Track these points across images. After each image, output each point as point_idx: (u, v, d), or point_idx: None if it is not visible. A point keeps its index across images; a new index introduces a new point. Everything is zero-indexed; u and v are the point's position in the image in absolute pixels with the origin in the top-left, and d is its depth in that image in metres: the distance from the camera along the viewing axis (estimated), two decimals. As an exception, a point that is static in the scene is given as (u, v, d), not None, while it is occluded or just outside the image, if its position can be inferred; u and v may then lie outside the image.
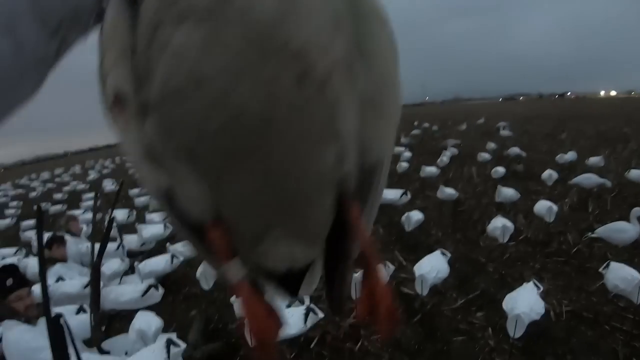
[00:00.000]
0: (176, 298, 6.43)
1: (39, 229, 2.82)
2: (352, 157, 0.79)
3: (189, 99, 0.64)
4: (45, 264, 2.70)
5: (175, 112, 0.66)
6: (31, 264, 7.08)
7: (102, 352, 4.20)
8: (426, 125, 31.73)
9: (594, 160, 11.97)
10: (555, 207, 7.11)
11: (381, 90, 0.80)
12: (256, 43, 0.61)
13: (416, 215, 7.25)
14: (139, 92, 0.69)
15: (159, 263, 6.04)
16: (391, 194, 8.96)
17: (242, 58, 0.61)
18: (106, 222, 5.24)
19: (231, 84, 0.62)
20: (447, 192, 9.21)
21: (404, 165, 13.62)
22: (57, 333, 2.77)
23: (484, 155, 13.70)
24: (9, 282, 3.75)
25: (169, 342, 3.71)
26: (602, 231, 6.36)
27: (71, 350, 2.94)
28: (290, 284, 1.13)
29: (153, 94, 0.67)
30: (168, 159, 0.73)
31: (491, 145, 16.09)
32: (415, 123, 33.92)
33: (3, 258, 8.41)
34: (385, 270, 1.03)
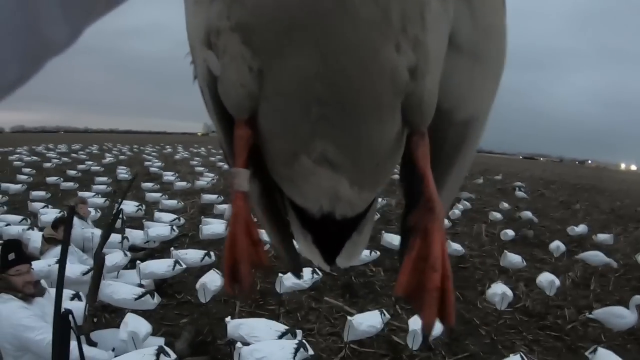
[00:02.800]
0: (169, 303, 6.44)
1: (66, 237, 2.87)
2: (429, 83, 0.72)
3: None
4: (64, 268, 2.74)
5: None
6: (34, 238, 7.15)
7: (89, 342, 4.24)
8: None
9: (603, 237, 11.97)
10: (557, 282, 7.08)
11: (483, 38, 0.77)
12: None
13: (420, 266, 7.20)
14: None
15: (161, 266, 6.06)
16: (397, 240, 8.75)
17: None
18: (113, 213, 5.31)
19: None
20: (454, 247, 9.14)
21: (413, 212, 13.35)
22: (64, 328, 2.82)
23: (496, 215, 13.69)
24: (11, 256, 3.82)
25: (161, 350, 3.73)
26: (599, 313, 6.34)
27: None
28: (330, 246, 1.03)
29: None
30: (224, 36, 0.69)
31: (505, 205, 16.12)
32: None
33: (7, 225, 8.49)
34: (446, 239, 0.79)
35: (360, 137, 0.75)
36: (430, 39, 0.67)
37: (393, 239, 8.77)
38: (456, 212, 13.64)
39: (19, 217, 9.34)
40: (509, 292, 6.19)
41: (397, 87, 0.69)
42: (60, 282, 2.78)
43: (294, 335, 4.37)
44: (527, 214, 14.56)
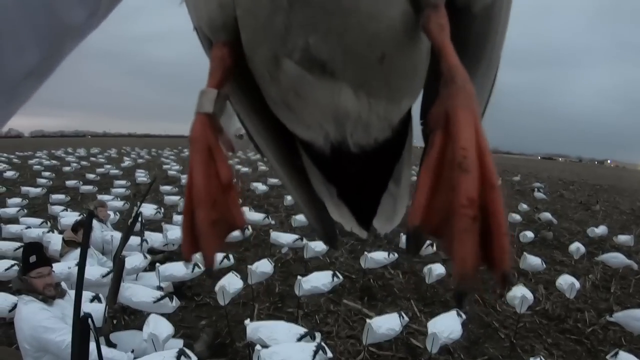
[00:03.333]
0: (188, 305, 6.48)
1: (85, 240, 2.90)
2: None
3: None
4: (83, 272, 2.77)
5: None
6: (54, 240, 7.25)
7: (109, 343, 4.29)
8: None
9: (623, 238, 11.81)
10: (577, 284, 6.99)
11: None
12: None
13: (438, 269, 7.15)
14: None
15: (180, 269, 6.08)
16: None
17: None
18: (133, 215, 5.36)
19: None
20: (472, 249, 8.94)
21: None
22: (83, 332, 2.85)
23: (515, 217, 13.51)
24: (32, 259, 3.89)
25: (182, 352, 3.74)
26: (620, 316, 6.25)
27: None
28: (364, 205, 0.87)
29: None
30: None
31: (524, 206, 15.93)
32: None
33: (28, 227, 8.60)
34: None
35: (346, 15, 0.58)
36: None
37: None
38: (475, 214, 13.46)
39: (39, 220, 9.51)
40: (529, 295, 6.13)
41: None
42: (79, 285, 2.81)
43: (313, 338, 4.36)
44: (547, 215, 14.42)
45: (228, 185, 0.61)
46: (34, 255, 3.94)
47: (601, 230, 12.80)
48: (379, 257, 7.66)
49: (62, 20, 0.56)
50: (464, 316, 5.24)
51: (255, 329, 4.40)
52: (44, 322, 3.68)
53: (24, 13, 0.53)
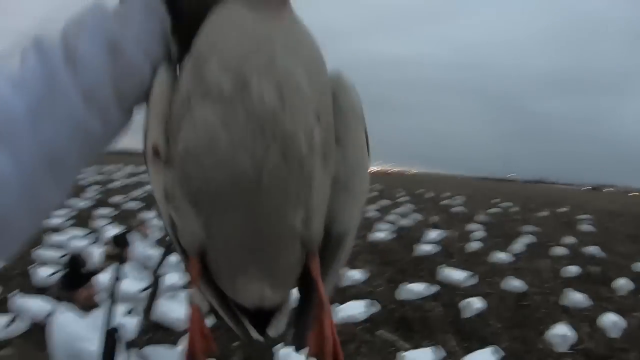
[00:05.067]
0: (221, 324, 6.43)
1: (121, 258, 2.93)
2: (316, 225, 0.98)
3: (202, 159, 0.88)
4: (117, 288, 2.81)
5: (189, 167, 0.90)
6: (95, 253, 7.39)
7: (141, 358, 4.32)
8: (506, 204, 31.04)
9: (672, 274, 11.42)
10: (621, 323, 6.78)
11: (352, 175, 1.04)
12: (258, 125, 0.82)
13: (477, 303, 7.03)
14: (168, 147, 0.95)
15: (216, 289, 6.12)
16: (456, 275, 8.85)
17: (246, 134, 0.83)
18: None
19: (235, 152, 0.84)
20: (514, 284, 8.85)
21: (474, 245, 13.07)
22: (111, 345, 2.89)
23: (560, 250, 13.23)
24: (85, 269, 3.99)
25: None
26: (667, 359, 6.03)
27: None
28: (262, 324, 1.29)
29: (177, 151, 0.91)
30: (178, 200, 0.95)
31: (570, 239, 15.61)
32: (496, 200, 33.60)
33: (72, 238, 8.87)
34: (332, 317, 1.07)
35: (277, 263, 1.03)
36: (316, 198, 0.95)
37: (452, 274, 8.62)
38: (519, 246, 13.27)
39: (83, 232, 9.73)
40: (571, 334, 5.96)
41: (295, 234, 0.96)
42: (112, 300, 2.85)
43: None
44: (593, 249, 14.10)
45: (207, 336, 0.98)
46: (86, 267, 4.07)
47: (649, 265, 12.41)
48: (418, 288, 7.56)
49: (44, 204, 0.79)
50: (501, 353, 5.11)
51: (286, 355, 4.38)
52: (78, 331, 3.75)
53: (22, 205, 0.72)
